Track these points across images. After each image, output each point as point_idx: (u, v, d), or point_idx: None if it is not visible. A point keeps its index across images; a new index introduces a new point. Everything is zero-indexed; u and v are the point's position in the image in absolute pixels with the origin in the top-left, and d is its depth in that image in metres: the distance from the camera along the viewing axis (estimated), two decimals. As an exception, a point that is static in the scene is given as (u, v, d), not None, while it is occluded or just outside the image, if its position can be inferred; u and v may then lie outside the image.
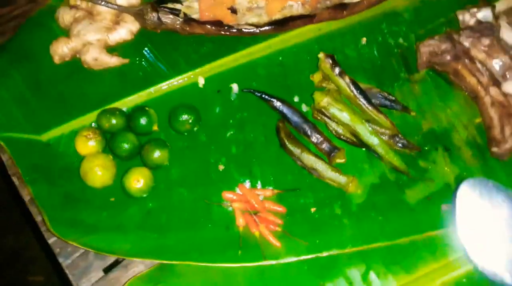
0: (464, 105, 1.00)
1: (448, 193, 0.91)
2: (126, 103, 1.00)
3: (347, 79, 0.96)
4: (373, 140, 0.93)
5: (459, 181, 0.87)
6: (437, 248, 0.87)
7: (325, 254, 0.85)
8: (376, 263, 0.86)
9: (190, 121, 0.94)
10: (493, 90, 0.96)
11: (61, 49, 1.00)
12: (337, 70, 0.96)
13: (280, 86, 1.02)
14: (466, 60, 0.97)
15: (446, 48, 0.97)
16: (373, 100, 0.97)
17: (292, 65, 1.04)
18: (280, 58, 1.05)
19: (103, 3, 1.01)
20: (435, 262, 0.86)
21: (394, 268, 0.86)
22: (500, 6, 1.05)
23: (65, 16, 1.03)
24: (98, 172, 0.89)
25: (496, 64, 0.96)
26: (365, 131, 0.93)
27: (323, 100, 0.94)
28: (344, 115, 0.94)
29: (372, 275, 0.85)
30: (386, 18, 1.08)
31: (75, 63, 1.03)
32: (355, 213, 0.90)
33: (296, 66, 1.04)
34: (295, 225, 0.89)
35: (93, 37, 1.00)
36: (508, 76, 0.96)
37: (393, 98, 0.98)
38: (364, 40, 1.06)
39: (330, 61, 0.96)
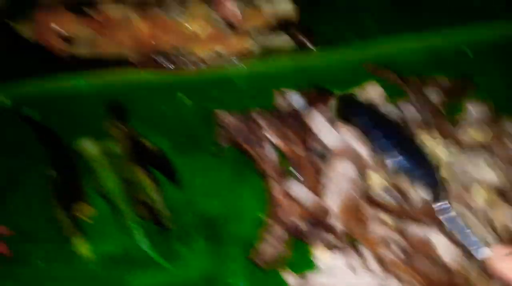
0: (258, 197, 0.88)
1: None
2: None
3: (125, 129, 0.90)
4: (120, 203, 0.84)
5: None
6: None
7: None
8: None
9: None
10: (277, 188, 0.84)
11: None
12: (118, 120, 0.90)
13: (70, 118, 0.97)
14: (259, 147, 0.87)
15: (240, 127, 0.88)
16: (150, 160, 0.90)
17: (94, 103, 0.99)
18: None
19: None
20: None
21: None
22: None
23: None
24: None
25: (291, 157, 0.85)
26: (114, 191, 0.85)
27: (89, 146, 0.88)
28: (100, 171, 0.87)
29: None
30: (218, 85, 1.02)
31: None
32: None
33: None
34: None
35: None
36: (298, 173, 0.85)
37: (167, 160, 0.90)
38: (187, 101, 1.00)
39: (112, 109, 0.90)
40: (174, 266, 0.81)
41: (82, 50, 1.03)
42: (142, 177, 0.86)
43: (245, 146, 0.88)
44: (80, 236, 0.81)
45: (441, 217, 0.67)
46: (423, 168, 0.75)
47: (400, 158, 0.76)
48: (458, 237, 0.64)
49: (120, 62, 1.02)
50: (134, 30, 1.03)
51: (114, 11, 1.06)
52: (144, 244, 0.82)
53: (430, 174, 0.73)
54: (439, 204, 0.68)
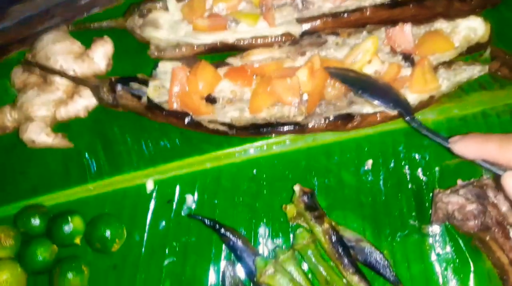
0: (487, 283, 0.74)
1: None
2: (57, 197, 0.85)
3: (325, 226, 0.74)
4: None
5: None
6: None
7: None
8: None
9: (109, 238, 0.78)
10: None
11: (1, 120, 0.88)
12: (313, 215, 0.74)
13: (245, 208, 0.82)
14: (497, 230, 0.70)
15: (473, 211, 0.71)
16: (358, 257, 0.74)
17: (267, 182, 0.83)
18: (254, 170, 0.84)
19: (56, 73, 0.87)
20: None
21: None
22: None
23: (16, 79, 0.91)
24: (1, 287, 0.76)
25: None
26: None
27: (265, 269, 0.71)
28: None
29: None
30: (406, 139, 0.84)
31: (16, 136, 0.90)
32: None
33: (271, 184, 0.83)
34: None
35: (38, 113, 0.86)
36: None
37: (386, 262, 0.74)
38: (369, 163, 0.83)
39: (306, 202, 0.74)
40: None
41: (231, 112, 0.87)
42: (355, 283, 0.72)
43: (479, 232, 0.72)
44: None
45: (412, 125, 0.77)
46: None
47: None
48: (429, 136, 0.74)
49: (279, 125, 0.84)
50: (293, 81, 0.84)
51: (265, 59, 0.88)
52: None
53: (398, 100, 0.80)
54: (408, 117, 0.77)
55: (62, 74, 0.88)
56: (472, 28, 0.87)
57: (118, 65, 0.93)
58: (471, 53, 0.87)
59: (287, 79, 0.83)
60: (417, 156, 0.82)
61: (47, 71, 0.88)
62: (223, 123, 0.84)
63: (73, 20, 1.01)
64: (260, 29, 0.92)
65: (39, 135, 0.85)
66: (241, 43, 0.90)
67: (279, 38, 0.90)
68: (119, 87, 0.87)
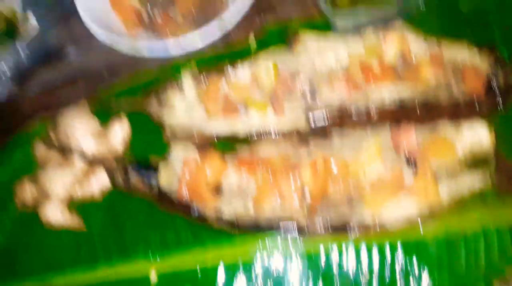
0: None
1: None
2: (66, 279, 0.89)
3: None
4: None
5: None
6: None
7: None
8: None
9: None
10: None
11: (23, 195, 0.94)
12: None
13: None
14: None
15: None
16: None
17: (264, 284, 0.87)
18: (253, 271, 0.87)
19: (74, 152, 0.92)
20: None
21: None
22: None
23: (38, 154, 0.96)
24: None
25: None
26: None
27: None
28: None
29: None
30: (403, 246, 0.85)
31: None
32: None
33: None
34: None
35: (55, 191, 0.92)
36: None
37: None
38: (365, 270, 0.85)
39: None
40: None
41: (236, 204, 0.90)
42: None
43: None
44: None
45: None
46: None
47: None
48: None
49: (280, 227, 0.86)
50: (296, 179, 0.87)
51: (272, 151, 0.91)
52: None
53: None
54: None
55: (79, 154, 0.93)
56: (477, 136, 0.88)
57: (134, 145, 0.97)
58: (475, 163, 0.88)
59: (289, 175, 0.87)
60: (415, 267, 0.84)
61: (66, 151, 0.94)
62: (227, 221, 0.88)
63: (95, 88, 1.07)
64: (269, 118, 0.94)
65: (55, 215, 0.91)
66: (251, 134, 0.93)
67: (287, 130, 0.94)
68: (132, 172, 0.92)
